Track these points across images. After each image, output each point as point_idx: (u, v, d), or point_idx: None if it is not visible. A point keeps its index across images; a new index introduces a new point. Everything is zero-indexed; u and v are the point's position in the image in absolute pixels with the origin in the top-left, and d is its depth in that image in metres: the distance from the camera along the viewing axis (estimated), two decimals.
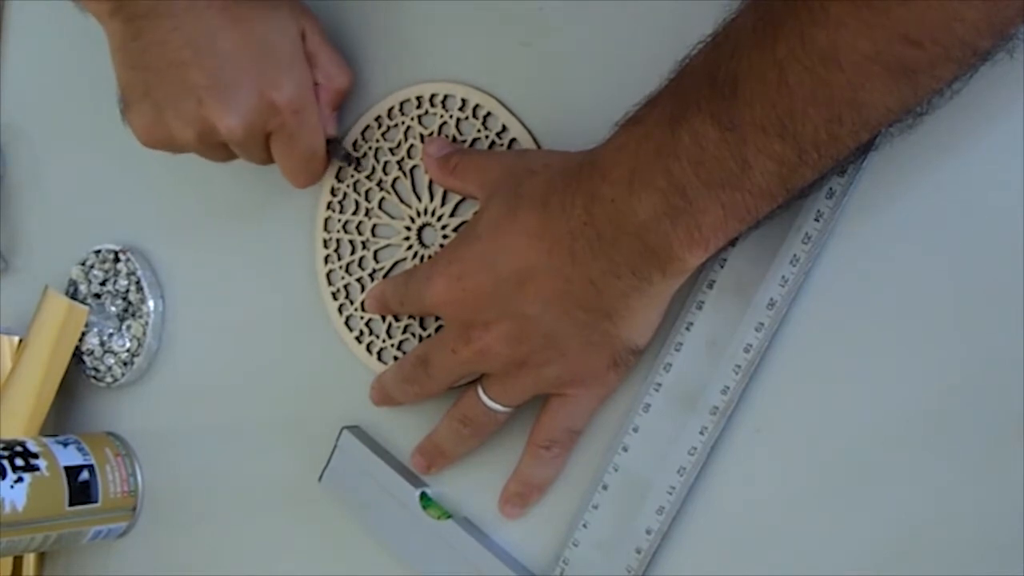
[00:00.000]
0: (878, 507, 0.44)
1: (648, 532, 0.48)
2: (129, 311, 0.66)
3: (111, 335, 0.67)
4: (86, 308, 0.67)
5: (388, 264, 0.56)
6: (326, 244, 0.59)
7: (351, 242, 0.58)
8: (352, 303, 0.58)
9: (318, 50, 0.55)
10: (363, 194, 0.58)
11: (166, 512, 0.66)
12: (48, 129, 0.73)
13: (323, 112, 0.55)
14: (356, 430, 0.58)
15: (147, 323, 0.66)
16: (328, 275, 0.59)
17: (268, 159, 0.56)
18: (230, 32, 0.51)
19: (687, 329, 0.48)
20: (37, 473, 0.60)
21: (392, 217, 0.57)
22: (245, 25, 0.52)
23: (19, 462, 0.60)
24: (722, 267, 0.47)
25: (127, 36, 0.51)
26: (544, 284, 0.45)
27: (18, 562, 0.69)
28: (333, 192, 0.58)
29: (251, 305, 0.63)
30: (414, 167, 0.56)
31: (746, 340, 0.46)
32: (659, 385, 0.48)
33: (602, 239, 0.43)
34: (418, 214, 0.56)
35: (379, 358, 0.57)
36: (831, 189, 0.44)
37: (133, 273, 0.66)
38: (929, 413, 0.43)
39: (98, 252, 0.67)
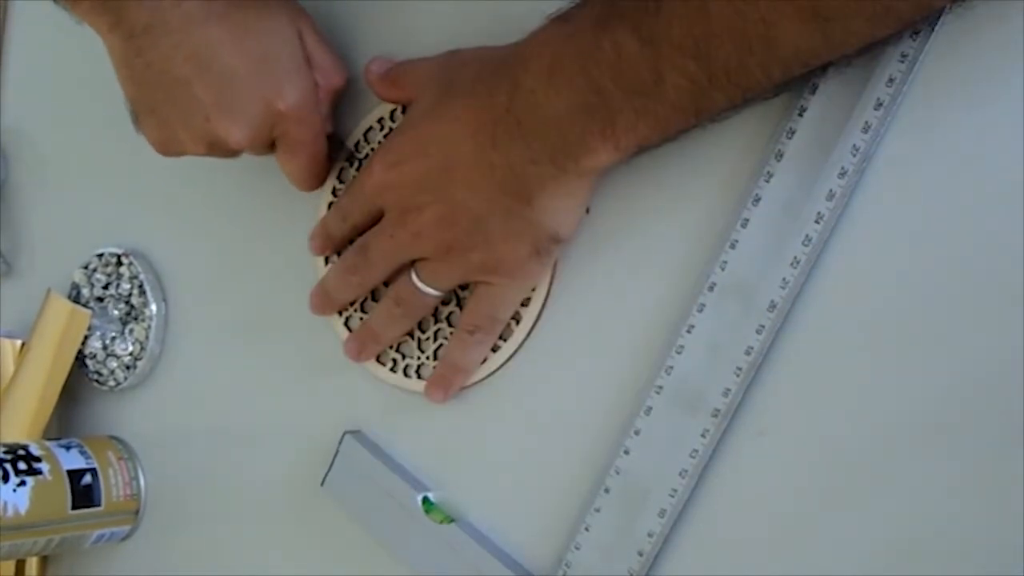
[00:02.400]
0: (880, 509, 0.44)
1: (650, 535, 0.49)
2: (132, 315, 0.67)
3: (114, 338, 0.68)
4: (89, 312, 0.68)
5: None
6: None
7: (351, 242, 0.58)
8: (352, 305, 0.59)
9: (314, 50, 0.56)
10: None
11: (169, 516, 0.66)
12: (51, 132, 0.74)
13: (324, 110, 0.57)
14: (358, 435, 0.58)
15: (149, 326, 0.67)
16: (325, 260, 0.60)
17: (273, 153, 0.57)
18: (230, 45, 0.52)
19: (688, 332, 0.48)
20: (40, 477, 0.61)
21: None
22: (245, 36, 0.53)
23: (22, 466, 0.61)
24: (723, 269, 0.47)
25: (128, 53, 0.52)
26: (470, 169, 0.48)
27: (21, 566, 0.70)
28: (335, 192, 0.59)
29: (253, 308, 0.64)
30: None
31: (747, 342, 0.47)
32: (660, 388, 0.49)
33: (522, 126, 0.46)
34: None
35: (378, 360, 0.58)
36: (831, 191, 0.45)
37: (136, 277, 0.67)
38: (929, 415, 0.44)
39: (101, 255, 0.68)
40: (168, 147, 0.56)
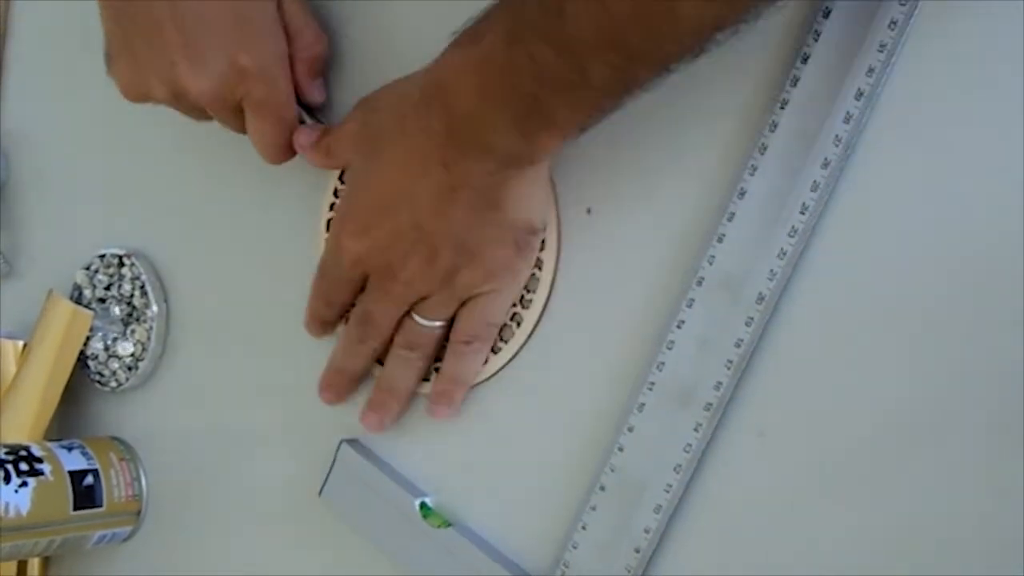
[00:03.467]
0: (877, 503, 0.45)
1: (646, 531, 0.49)
2: (133, 315, 0.68)
3: (115, 339, 0.68)
4: (90, 312, 0.69)
5: None
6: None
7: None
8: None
9: (293, 17, 0.56)
10: None
11: (170, 517, 0.67)
12: (52, 133, 0.74)
13: (304, 81, 0.57)
14: (355, 443, 0.59)
15: (151, 327, 0.67)
16: None
17: (242, 127, 0.57)
18: None
19: (678, 327, 0.49)
20: (41, 478, 0.62)
21: None
22: None
23: (23, 467, 0.62)
24: (710, 263, 0.48)
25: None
26: (433, 201, 0.49)
27: (22, 566, 0.71)
28: (336, 194, 0.60)
29: (255, 310, 0.65)
30: None
31: (736, 335, 0.47)
32: (652, 384, 0.49)
33: (468, 146, 0.47)
34: None
35: (379, 362, 0.59)
36: (815, 182, 0.45)
37: (137, 278, 0.68)
38: (917, 404, 0.44)
39: (102, 256, 0.69)
40: (135, 89, 0.56)
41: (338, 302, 0.57)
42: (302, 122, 0.58)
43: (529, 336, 0.54)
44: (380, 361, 0.58)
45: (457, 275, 0.52)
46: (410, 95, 0.49)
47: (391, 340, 0.56)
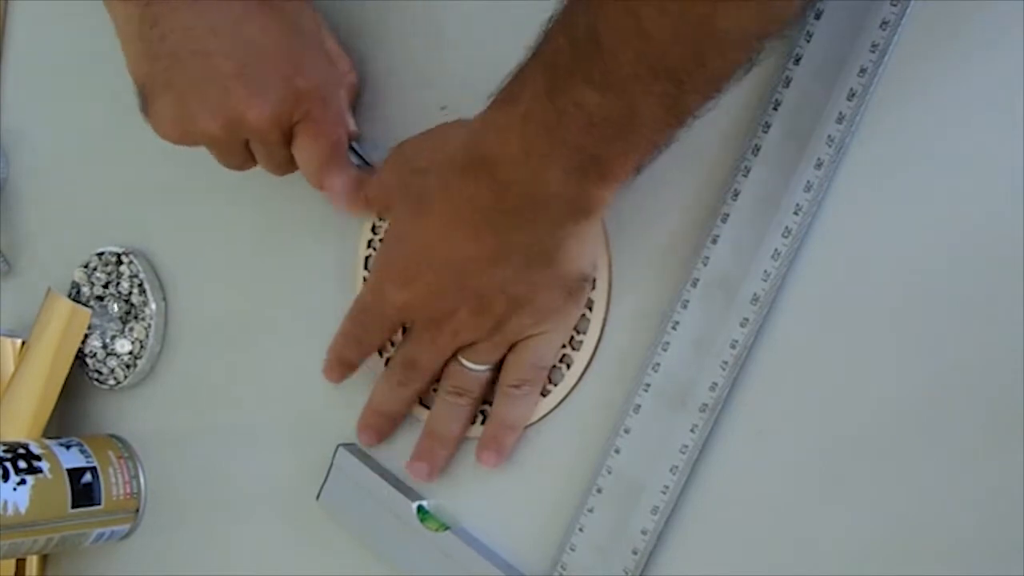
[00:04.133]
0: (875, 502, 0.45)
1: (644, 532, 0.50)
2: (132, 313, 0.68)
3: (114, 337, 0.69)
4: (89, 310, 0.69)
5: None
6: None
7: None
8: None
9: (332, 46, 0.56)
10: None
11: (169, 514, 0.67)
12: (50, 131, 0.75)
13: (346, 108, 0.57)
14: (352, 447, 0.60)
15: (150, 325, 0.68)
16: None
17: (287, 160, 0.56)
18: (254, 19, 0.52)
19: (673, 328, 0.49)
20: (40, 475, 0.62)
21: None
22: (269, 11, 0.52)
23: (22, 464, 0.62)
24: (705, 265, 0.48)
25: (144, 23, 0.51)
26: (484, 262, 0.49)
27: (21, 564, 0.71)
28: (375, 230, 0.59)
29: (253, 307, 0.65)
30: None
31: (732, 336, 0.48)
32: (648, 386, 0.50)
33: (520, 211, 0.47)
34: None
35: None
36: (808, 182, 0.46)
37: (136, 275, 0.68)
38: (913, 402, 0.44)
39: (101, 254, 0.69)
40: (181, 126, 0.54)
41: (369, 345, 0.57)
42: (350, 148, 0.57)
43: (580, 378, 0.54)
44: (422, 401, 0.58)
45: (507, 323, 0.51)
46: (454, 160, 0.48)
47: (434, 381, 0.55)
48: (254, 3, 0.52)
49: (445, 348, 0.53)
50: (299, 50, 0.53)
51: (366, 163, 0.57)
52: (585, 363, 0.53)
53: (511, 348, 0.53)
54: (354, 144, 0.57)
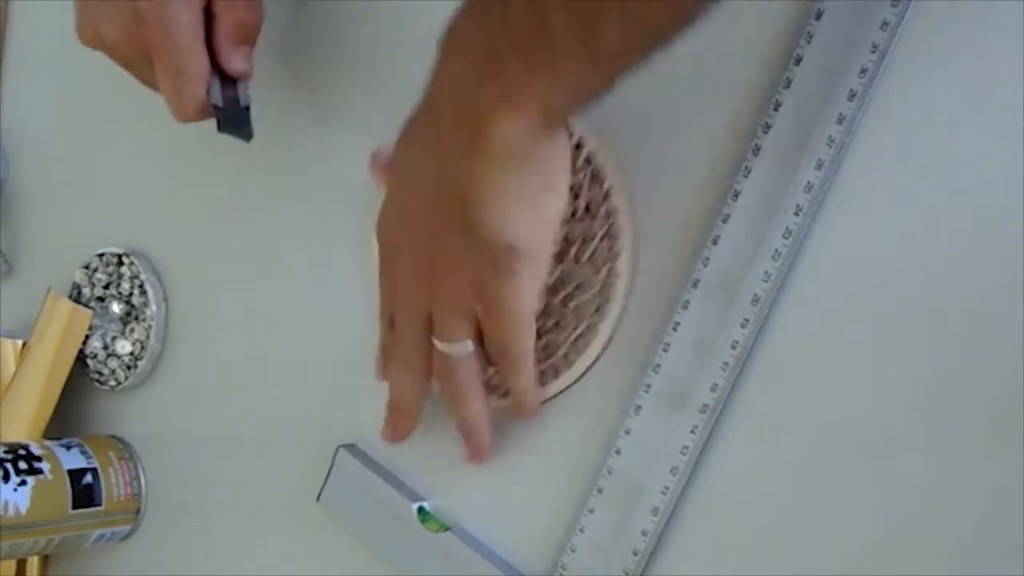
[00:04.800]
0: (875, 502, 0.45)
1: (644, 533, 0.50)
2: (132, 314, 0.69)
3: (114, 338, 0.69)
4: (89, 311, 0.69)
5: None
6: None
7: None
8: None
9: None
10: None
11: (169, 516, 0.68)
12: (51, 132, 0.75)
13: (223, 43, 0.55)
14: (352, 448, 0.60)
15: (150, 326, 0.68)
16: None
17: (152, 82, 0.56)
18: None
19: (674, 329, 0.49)
20: (40, 476, 0.63)
21: None
22: None
23: (22, 465, 0.62)
24: (705, 265, 0.48)
25: None
26: (417, 192, 0.48)
27: (21, 565, 0.71)
28: None
29: (254, 308, 0.65)
30: None
31: (732, 337, 0.48)
32: (649, 386, 0.50)
33: (437, 123, 0.46)
34: None
35: None
36: (809, 183, 0.46)
37: (136, 276, 0.68)
38: (920, 408, 0.44)
39: (101, 255, 0.70)
40: (78, 34, 0.56)
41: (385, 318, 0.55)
42: (226, 89, 0.56)
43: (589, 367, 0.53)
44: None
45: (445, 287, 0.49)
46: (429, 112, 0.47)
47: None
48: None
49: (405, 317, 0.52)
50: None
51: (238, 103, 0.57)
52: (594, 356, 0.53)
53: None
54: (240, 86, 0.57)
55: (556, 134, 0.46)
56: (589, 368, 0.53)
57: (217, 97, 0.55)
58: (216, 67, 0.55)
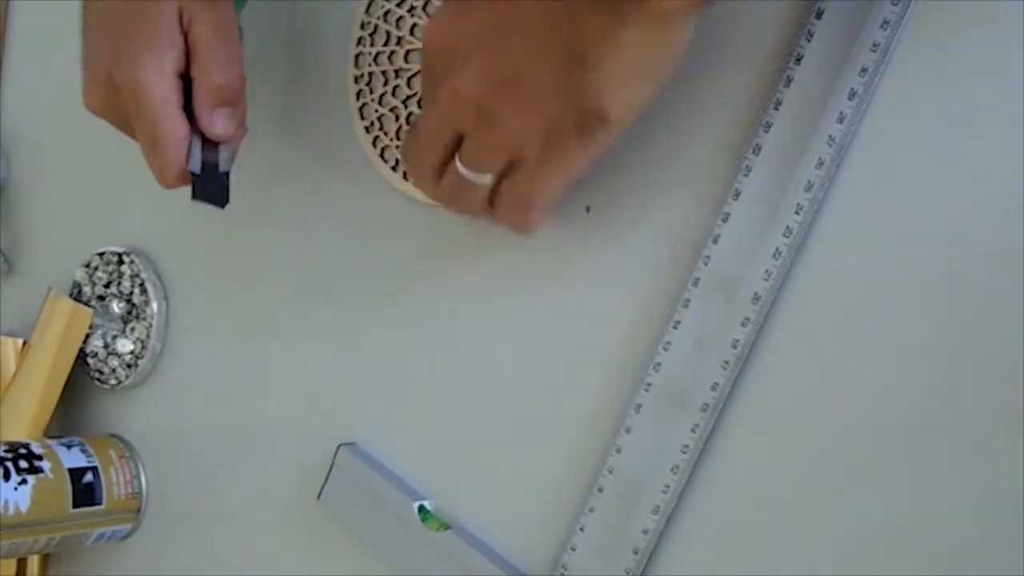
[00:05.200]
0: (876, 501, 0.45)
1: (644, 532, 0.50)
2: (133, 313, 0.69)
3: (115, 337, 0.69)
4: (90, 310, 0.70)
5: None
6: (357, 80, 0.59)
7: (383, 73, 0.58)
8: (387, 134, 0.58)
9: (197, 43, 0.54)
10: (394, 23, 0.58)
11: (169, 515, 0.68)
12: (52, 132, 0.75)
13: (200, 108, 0.55)
14: (353, 447, 0.60)
15: (151, 325, 0.68)
16: (361, 109, 0.59)
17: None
18: (109, 7, 0.54)
19: (674, 328, 0.49)
20: (41, 475, 0.63)
21: None
22: (127, 7, 0.54)
23: (23, 464, 0.63)
24: (706, 264, 0.48)
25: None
26: (526, 16, 0.44)
27: (22, 564, 0.72)
28: (363, 26, 0.59)
29: (254, 307, 0.65)
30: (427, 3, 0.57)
31: (732, 335, 0.48)
32: (649, 385, 0.50)
33: None
34: None
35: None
36: (809, 182, 0.46)
37: (137, 275, 0.69)
38: (920, 407, 0.44)
39: (102, 254, 0.70)
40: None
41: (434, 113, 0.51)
42: (208, 152, 0.56)
43: None
44: None
45: (504, 114, 0.46)
46: None
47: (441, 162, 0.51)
48: None
49: (442, 114, 0.48)
50: (133, 39, 0.53)
51: (216, 168, 0.56)
52: None
53: (509, 171, 0.49)
54: (222, 148, 0.56)
55: (692, 23, 0.44)
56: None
57: (196, 163, 0.55)
58: (198, 131, 0.56)
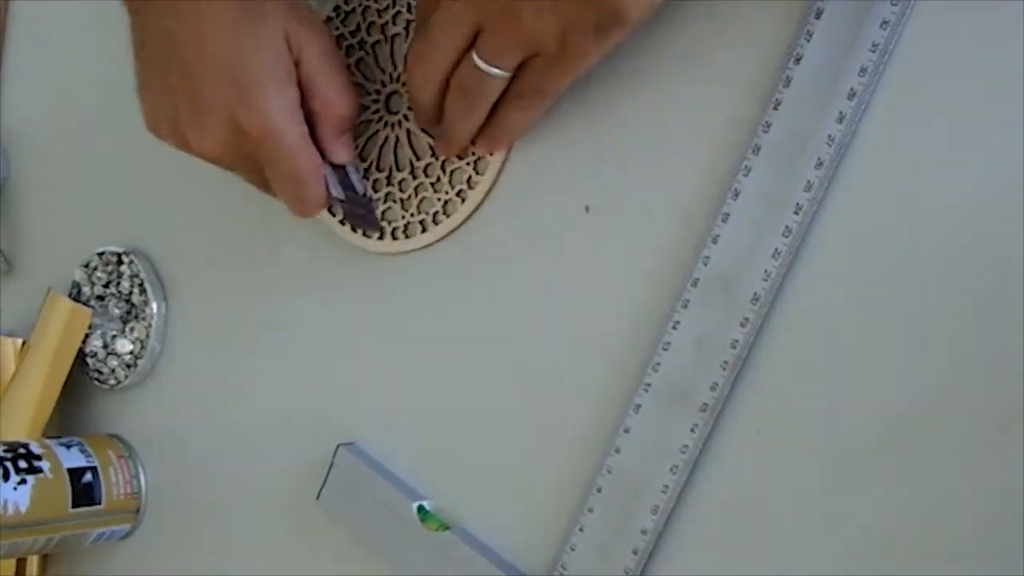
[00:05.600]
0: (875, 501, 0.45)
1: (644, 532, 0.50)
2: (132, 313, 0.69)
3: (114, 337, 0.69)
4: (89, 310, 0.70)
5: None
6: None
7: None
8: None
9: (315, 75, 0.53)
10: (343, 49, 0.59)
11: (169, 515, 0.68)
12: (51, 131, 0.75)
13: (326, 140, 0.54)
14: (352, 447, 0.60)
15: (150, 325, 0.68)
16: None
17: (261, 181, 0.56)
18: (219, 37, 0.50)
19: (673, 328, 0.49)
20: (40, 475, 0.63)
21: (366, 79, 0.59)
22: (228, 34, 0.50)
23: (22, 464, 0.62)
24: (705, 264, 0.48)
25: (131, 20, 0.52)
26: None
27: (21, 564, 0.72)
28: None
29: (254, 307, 0.65)
30: (395, 35, 0.58)
31: (732, 336, 0.48)
32: (648, 385, 0.50)
33: None
34: (389, 80, 0.58)
35: (364, 233, 0.59)
36: (809, 181, 0.46)
37: (136, 275, 0.68)
38: (920, 407, 0.44)
39: (101, 254, 0.70)
40: (153, 128, 0.54)
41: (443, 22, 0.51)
42: (339, 177, 0.56)
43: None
44: None
45: (530, 15, 0.46)
46: None
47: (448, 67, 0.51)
48: (227, 16, 0.50)
49: (457, 12, 0.48)
50: (252, 77, 0.50)
51: (355, 190, 0.57)
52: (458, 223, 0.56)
53: (523, 64, 0.50)
54: (348, 169, 0.56)
55: None
56: (451, 232, 0.57)
57: (339, 190, 0.56)
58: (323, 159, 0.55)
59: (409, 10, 0.58)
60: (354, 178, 0.56)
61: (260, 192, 0.58)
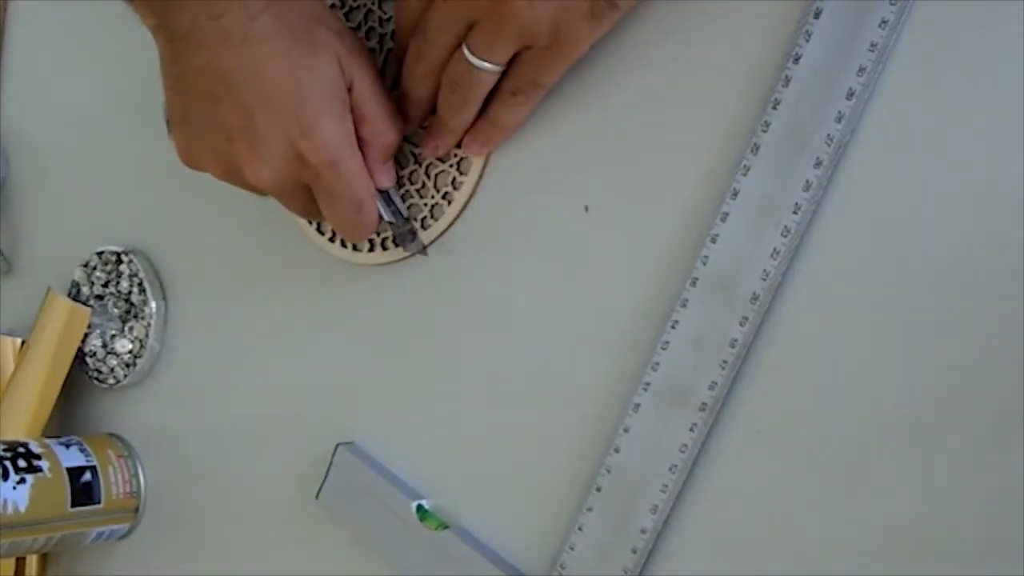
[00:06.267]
0: (875, 501, 0.45)
1: (643, 531, 0.50)
2: (131, 312, 0.69)
3: (113, 336, 0.69)
4: (88, 310, 0.70)
5: None
6: None
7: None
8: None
9: (364, 103, 0.53)
10: None
11: (168, 514, 0.68)
12: (51, 131, 0.75)
13: (374, 166, 0.54)
14: (351, 446, 0.60)
15: (149, 324, 0.68)
16: None
17: (307, 208, 0.55)
18: (273, 68, 0.50)
19: (672, 327, 0.49)
20: (39, 474, 0.63)
21: None
22: (281, 65, 0.50)
23: (21, 463, 0.62)
24: (704, 264, 0.48)
25: (167, 57, 0.51)
26: None
27: (20, 563, 0.72)
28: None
29: (253, 306, 0.65)
30: (372, 49, 0.59)
31: (731, 335, 0.48)
32: (648, 384, 0.50)
33: None
34: None
35: (354, 247, 0.60)
36: (807, 181, 0.46)
37: (135, 275, 0.69)
38: (919, 407, 0.44)
39: (100, 254, 0.70)
40: (191, 161, 0.54)
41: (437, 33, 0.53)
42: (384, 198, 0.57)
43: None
44: None
45: (524, 10, 0.47)
46: None
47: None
48: (266, 55, 0.50)
49: (452, 9, 0.49)
50: (313, 109, 0.51)
51: (400, 214, 0.57)
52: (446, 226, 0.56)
53: (517, 56, 0.50)
54: (391, 193, 0.57)
55: None
56: (441, 234, 0.57)
57: (388, 214, 0.56)
58: None
59: (381, 25, 0.58)
60: (397, 201, 0.57)
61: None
